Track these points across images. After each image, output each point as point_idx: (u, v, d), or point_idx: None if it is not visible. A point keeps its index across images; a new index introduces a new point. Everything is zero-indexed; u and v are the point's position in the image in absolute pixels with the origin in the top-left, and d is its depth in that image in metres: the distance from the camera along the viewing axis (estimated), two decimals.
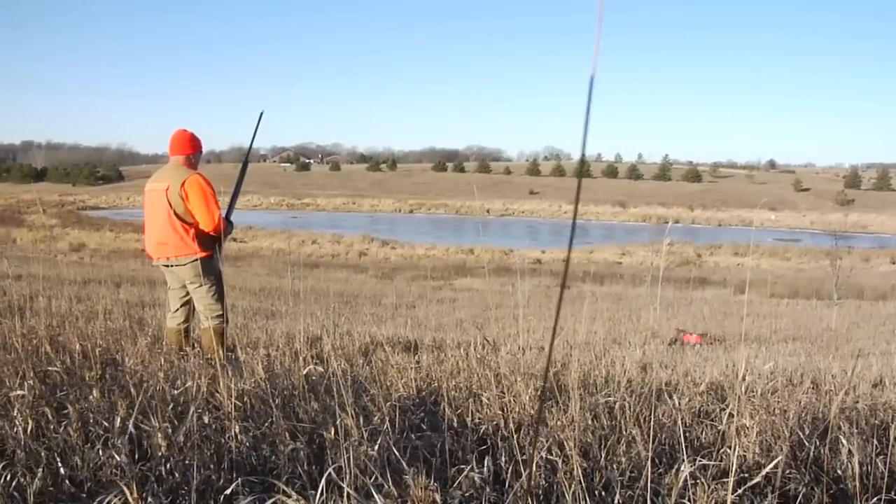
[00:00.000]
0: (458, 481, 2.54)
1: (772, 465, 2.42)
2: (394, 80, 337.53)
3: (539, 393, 3.36)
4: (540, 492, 2.55)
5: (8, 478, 2.36)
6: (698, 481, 2.43)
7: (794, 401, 3.60)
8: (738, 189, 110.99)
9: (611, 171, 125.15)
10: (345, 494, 2.17)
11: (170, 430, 2.76)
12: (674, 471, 2.52)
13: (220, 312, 5.30)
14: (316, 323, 6.99)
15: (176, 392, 3.32)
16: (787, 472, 2.78)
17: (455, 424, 3.26)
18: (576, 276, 30.38)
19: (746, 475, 2.67)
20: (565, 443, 2.81)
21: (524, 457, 2.67)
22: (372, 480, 2.34)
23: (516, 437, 2.96)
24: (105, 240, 44.55)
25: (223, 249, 5.42)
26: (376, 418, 3.03)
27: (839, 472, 2.88)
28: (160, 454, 2.65)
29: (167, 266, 5.28)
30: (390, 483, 2.32)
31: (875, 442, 3.01)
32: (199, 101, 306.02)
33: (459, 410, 3.42)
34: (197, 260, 5.16)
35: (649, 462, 2.45)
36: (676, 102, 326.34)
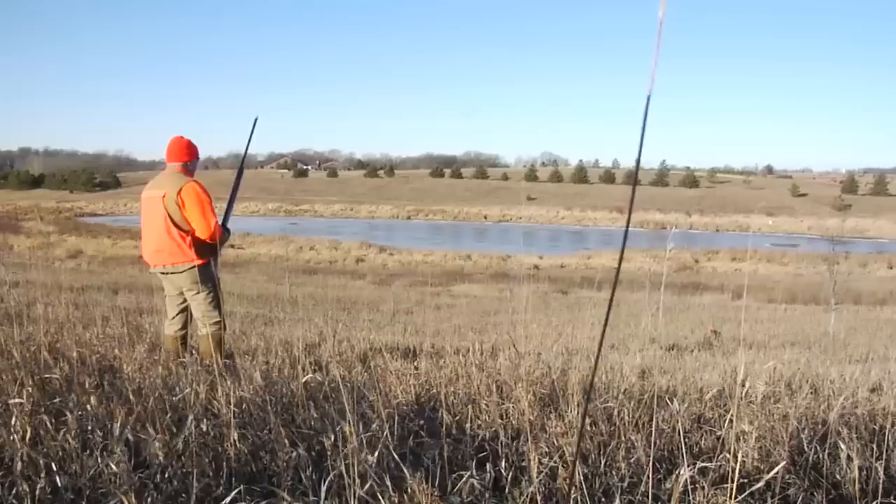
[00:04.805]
0: (457, 487, 2.54)
1: (773, 472, 2.42)
2: (391, 86, 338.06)
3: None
4: (540, 498, 2.55)
5: (7, 485, 2.36)
6: (698, 486, 2.43)
7: (793, 406, 3.60)
8: (735, 194, 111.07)
9: (608, 177, 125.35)
10: (345, 501, 2.16)
11: (168, 438, 2.75)
12: (674, 476, 2.52)
13: (218, 319, 5.29)
14: (314, 329, 6.98)
15: (174, 399, 3.32)
16: (787, 477, 2.78)
17: (454, 431, 3.25)
18: (573, 282, 30.39)
19: (745, 480, 2.67)
20: (565, 449, 2.81)
21: (524, 463, 2.67)
22: (373, 487, 2.33)
23: (516, 444, 2.95)
24: (102, 246, 44.50)
25: (220, 256, 5.41)
26: (375, 425, 3.02)
27: (838, 476, 2.88)
28: (159, 462, 2.65)
29: (164, 273, 5.27)
30: (391, 489, 2.32)
31: (874, 447, 3.01)
32: (197, 107, 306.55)
33: (458, 417, 3.42)
34: (194, 267, 5.15)
35: (650, 467, 2.44)
36: (674, 108, 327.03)
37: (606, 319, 1.50)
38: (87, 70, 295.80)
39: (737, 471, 2.28)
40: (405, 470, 2.49)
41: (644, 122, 1.32)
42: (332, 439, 2.65)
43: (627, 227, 1.42)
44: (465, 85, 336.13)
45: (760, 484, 2.37)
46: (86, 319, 6.25)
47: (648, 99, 1.29)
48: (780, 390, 4.23)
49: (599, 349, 1.56)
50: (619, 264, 1.52)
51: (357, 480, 2.33)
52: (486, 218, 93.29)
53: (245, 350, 5.80)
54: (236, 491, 2.43)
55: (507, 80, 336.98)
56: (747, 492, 2.44)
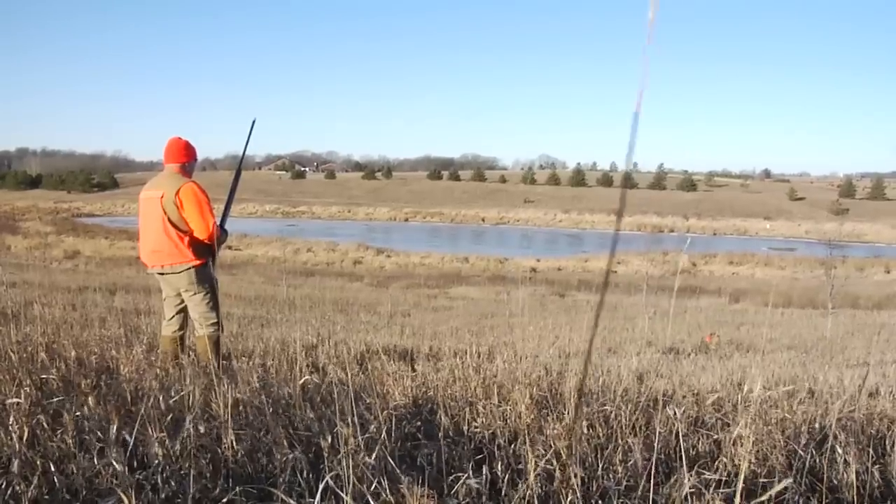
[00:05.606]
0: (454, 489, 2.54)
1: (778, 488, 2.42)
2: (389, 88, 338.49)
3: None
4: (536, 500, 2.55)
5: (3, 485, 2.35)
6: (697, 492, 2.43)
7: (790, 410, 3.60)
8: (732, 198, 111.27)
9: (606, 180, 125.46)
10: (342, 503, 2.16)
11: (166, 439, 2.75)
12: (673, 481, 2.52)
13: (215, 320, 5.28)
14: (311, 331, 6.98)
15: (171, 400, 3.31)
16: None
17: (451, 433, 3.25)
18: (570, 285, 30.40)
19: (742, 486, 2.66)
20: (562, 451, 2.81)
21: (520, 465, 2.67)
22: (369, 489, 2.33)
23: (513, 446, 2.95)
24: (100, 247, 44.42)
25: (218, 257, 5.41)
26: (372, 427, 3.02)
27: (835, 481, 2.88)
28: (156, 463, 2.64)
29: (162, 274, 5.26)
30: (387, 491, 2.32)
31: (871, 451, 3.01)
32: (195, 109, 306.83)
33: (456, 419, 3.41)
34: (191, 268, 5.14)
35: (651, 471, 2.44)
36: (672, 112, 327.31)
37: (596, 322, 1.49)
38: (86, 71, 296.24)
39: (741, 477, 2.28)
40: (402, 472, 2.49)
41: (634, 129, 1.32)
42: (330, 441, 2.65)
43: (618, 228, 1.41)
44: (464, 88, 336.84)
45: (763, 498, 2.35)
46: (83, 320, 6.25)
47: (638, 109, 1.29)
48: (777, 394, 4.23)
49: (589, 352, 1.56)
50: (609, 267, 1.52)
51: (354, 482, 2.33)
52: (483, 220, 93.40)
53: (242, 351, 5.79)
54: (233, 492, 2.43)
55: (506, 83, 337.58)
56: (750, 501, 2.44)
